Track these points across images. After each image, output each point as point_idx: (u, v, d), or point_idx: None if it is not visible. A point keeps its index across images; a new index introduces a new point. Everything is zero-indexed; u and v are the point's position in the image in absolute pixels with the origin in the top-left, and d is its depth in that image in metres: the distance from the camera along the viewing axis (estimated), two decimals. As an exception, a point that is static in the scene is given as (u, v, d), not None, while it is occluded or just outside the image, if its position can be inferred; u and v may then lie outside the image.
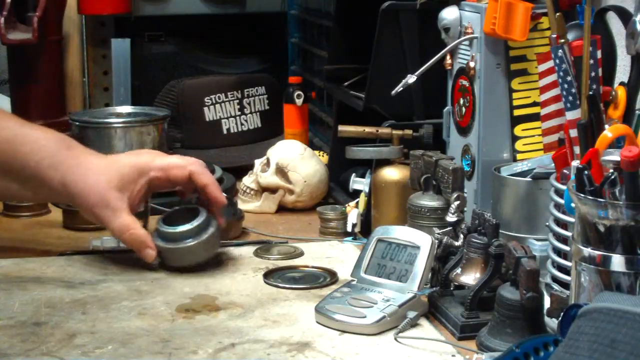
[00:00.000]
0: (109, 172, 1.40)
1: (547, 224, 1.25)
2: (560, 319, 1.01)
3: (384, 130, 1.60)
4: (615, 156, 1.03)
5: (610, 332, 0.90)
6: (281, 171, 1.79)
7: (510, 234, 1.36)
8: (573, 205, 1.07)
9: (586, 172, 1.03)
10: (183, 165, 1.46)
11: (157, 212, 1.68)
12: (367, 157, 1.60)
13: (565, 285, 1.18)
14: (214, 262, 1.51)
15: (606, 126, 1.18)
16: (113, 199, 1.39)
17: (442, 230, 1.34)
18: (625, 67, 1.34)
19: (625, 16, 1.30)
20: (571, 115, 1.28)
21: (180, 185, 1.49)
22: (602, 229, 1.02)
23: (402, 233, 1.34)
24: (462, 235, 1.31)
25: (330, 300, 1.29)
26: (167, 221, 1.49)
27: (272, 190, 1.80)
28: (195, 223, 1.46)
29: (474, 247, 1.26)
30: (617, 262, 1.02)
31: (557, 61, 1.29)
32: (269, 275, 1.45)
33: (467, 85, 1.50)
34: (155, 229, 1.48)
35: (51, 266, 1.50)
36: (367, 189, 1.65)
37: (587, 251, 1.04)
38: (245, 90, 2.16)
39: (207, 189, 1.46)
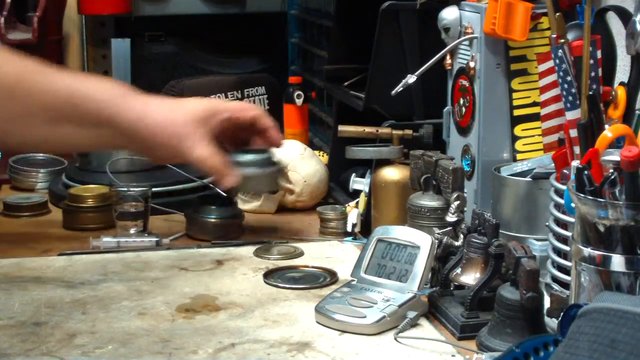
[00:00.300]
0: (185, 108, 1.42)
1: (547, 224, 1.25)
2: (560, 319, 1.01)
3: (384, 130, 1.60)
4: (615, 156, 1.03)
5: (610, 332, 0.90)
6: (281, 171, 1.79)
7: (510, 234, 1.36)
8: (573, 205, 1.07)
9: (586, 172, 1.03)
10: (247, 108, 1.48)
11: (156, 212, 1.68)
12: (367, 157, 1.60)
13: (565, 285, 1.18)
14: (214, 262, 1.51)
15: (606, 126, 1.18)
16: (192, 131, 1.40)
17: (442, 230, 1.34)
18: (625, 67, 1.34)
19: (625, 16, 1.30)
20: (571, 115, 1.28)
21: (240, 131, 1.49)
22: (602, 229, 1.02)
23: (402, 233, 1.34)
24: (462, 235, 1.31)
25: (330, 300, 1.29)
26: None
27: (272, 190, 1.80)
28: (268, 153, 1.48)
29: (474, 247, 1.26)
30: (617, 262, 1.02)
31: (557, 61, 1.29)
32: (269, 275, 1.45)
33: (467, 85, 1.50)
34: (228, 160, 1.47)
35: (51, 266, 1.50)
36: (367, 189, 1.65)
37: (587, 251, 1.04)
38: (245, 90, 2.16)
39: (269, 131, 1.49)
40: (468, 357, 1.16)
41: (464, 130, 1.53)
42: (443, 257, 1.33)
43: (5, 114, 1.28)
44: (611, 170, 1.02)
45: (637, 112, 1.26)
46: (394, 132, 1.59)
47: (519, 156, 1.47)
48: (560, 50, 1.28)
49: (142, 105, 1.38)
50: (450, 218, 1.35)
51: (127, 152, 1.76)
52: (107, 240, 1.58)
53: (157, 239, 1.60)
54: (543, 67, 1.39)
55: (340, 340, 1.22)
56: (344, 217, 1.65)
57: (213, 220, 1.62)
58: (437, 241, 1.32)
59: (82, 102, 1.34)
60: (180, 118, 1.40)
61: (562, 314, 1.01)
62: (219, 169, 1.42)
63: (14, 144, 1.44)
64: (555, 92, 1.36)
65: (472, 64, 1.48)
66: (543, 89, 1.40)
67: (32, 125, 1.31)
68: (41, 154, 2.00)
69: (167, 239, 1.62)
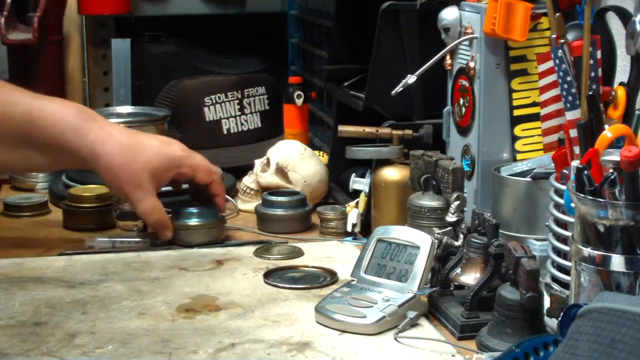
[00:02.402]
0: (144, 153, 1.46)
1: (547, 224, 1.25)
2: (560, 319, 1.01)
3: (384, 130, 1.60)
4: (615, 156, 1.03)
5: (609, 332, 0.90)
6: (281, 171, 1.79)
7: (510, 234, 1.36)
8: (573, 205, 1.07)
9: (586, 172, 1.03)
10: (211, 171, 1.56)
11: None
12: (367, 157, 1.60)
13: (565, 285, 1.18)
14: (214, 262, 1.51)
15: (606, 126, 1.18)
16: (146, 182, 1.46)
17: (442, 230, 1.34)
18: (625, 67, 1.34)
19: (625, 16, 1.30)
20: (571, 115, 1.28)
21: (194, 186, 1.59)
22: (601, 229, 1.02)
23: (402, 233, 1.34)
24: (462, 235, 1.31)
25: (330, 300, 1.29)
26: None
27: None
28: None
29: (473, 247, 1.26)
30: (617, 262, 1.02)
31: (557, 61, 1.29)
32: (269, 275, 1.45)
33: (467, 85, 1.50)
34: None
35: (51, 266, 1.50)
36: (367, 189, 1.65)
37: (587, 251, 1.04)
38: (245, 90, 2.16)
39: (216, 198, 1.59)
40: (468, 357, 1.16)
41: (463, 130, 1.53)
42: (443, 257, 1.33)
43: None
44: (611, 170, 1.02)
45: (637, 112, 1.26)
46: (394, 132, 1.59)
47: (519, 156, 1.47)
48: (560, 51, 1.29)
49: (101, 141, 1.41)
50: (450, 218, 1.35)
51: None
52: (101, 240, 1.58)
53: (157, 239, 1.60)
54: (543, 67, 1.39)
55: (340, 340, 1.22)
56: (344, 217, 1.65)
57: (193, 223, 1.60)
58: (437, 241, 1.32)
59: (42, 128, 1.36)
60: (135, 168, 1.44)
61: (562, 314, 1.01)
62: (159, 225, 1.52)
63: None
64: (555, 92, 1.36)
65: (472, 64, 1.48)
66: (543, 89, 1.40)
67: None
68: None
69: (167, 239, 1.62)
